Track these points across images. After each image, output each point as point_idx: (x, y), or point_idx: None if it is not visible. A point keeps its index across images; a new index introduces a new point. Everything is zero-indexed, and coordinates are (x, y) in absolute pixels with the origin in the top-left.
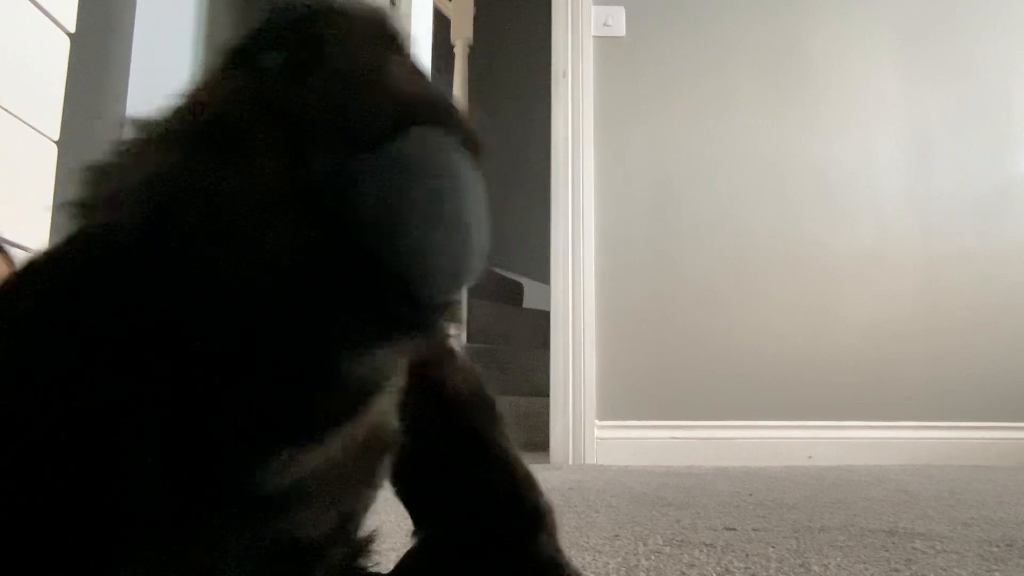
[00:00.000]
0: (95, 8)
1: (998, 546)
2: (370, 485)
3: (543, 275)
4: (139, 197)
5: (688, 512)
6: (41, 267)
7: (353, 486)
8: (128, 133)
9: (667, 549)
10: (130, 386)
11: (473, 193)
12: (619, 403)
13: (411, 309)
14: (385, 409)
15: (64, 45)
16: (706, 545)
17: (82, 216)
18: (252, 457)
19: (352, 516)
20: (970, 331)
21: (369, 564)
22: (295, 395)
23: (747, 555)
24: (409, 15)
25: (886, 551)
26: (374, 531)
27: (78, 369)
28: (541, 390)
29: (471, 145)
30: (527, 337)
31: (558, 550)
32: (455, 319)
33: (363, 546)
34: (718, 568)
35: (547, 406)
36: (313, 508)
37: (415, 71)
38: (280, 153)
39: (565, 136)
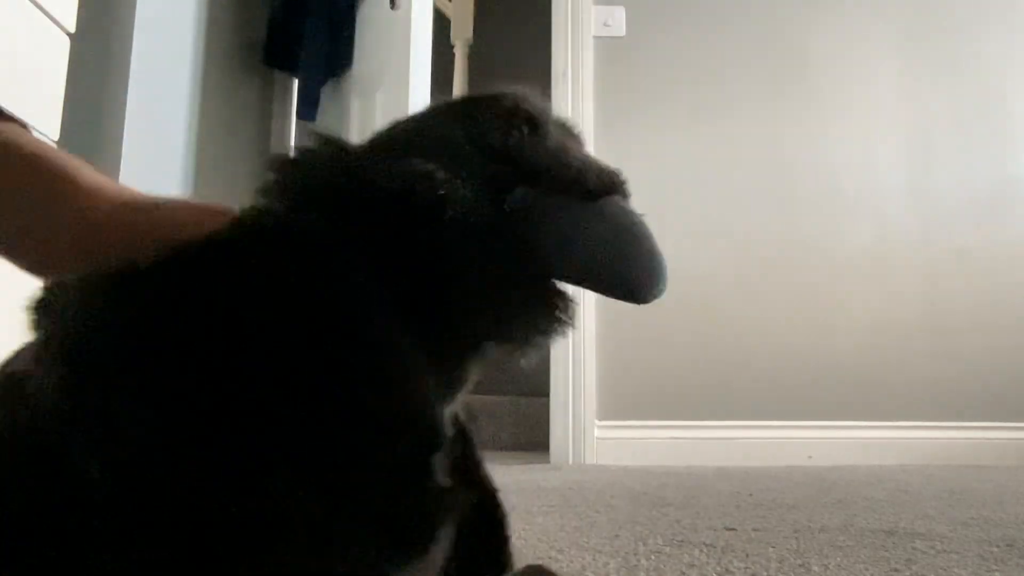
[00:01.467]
0: (95, 8)
1: (998, 546)
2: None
3: None
4: (359, 192)
5: (688, 512)
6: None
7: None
8: (318, 142)
9: (667, 549)
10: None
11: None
12: (619, 403)
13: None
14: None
15: (64, 45)
16: (706, 545)
17: (272, 200)
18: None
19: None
20: (970, 331)
21: None
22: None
23: (747, 555)
24: (409, 15)
25: (886, 551)
26: None
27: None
28: (541, 390)
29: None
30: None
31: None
32: None
33: None
34: (718, 568)
35: (547, 406)
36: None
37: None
38: (499, 186)
39: None
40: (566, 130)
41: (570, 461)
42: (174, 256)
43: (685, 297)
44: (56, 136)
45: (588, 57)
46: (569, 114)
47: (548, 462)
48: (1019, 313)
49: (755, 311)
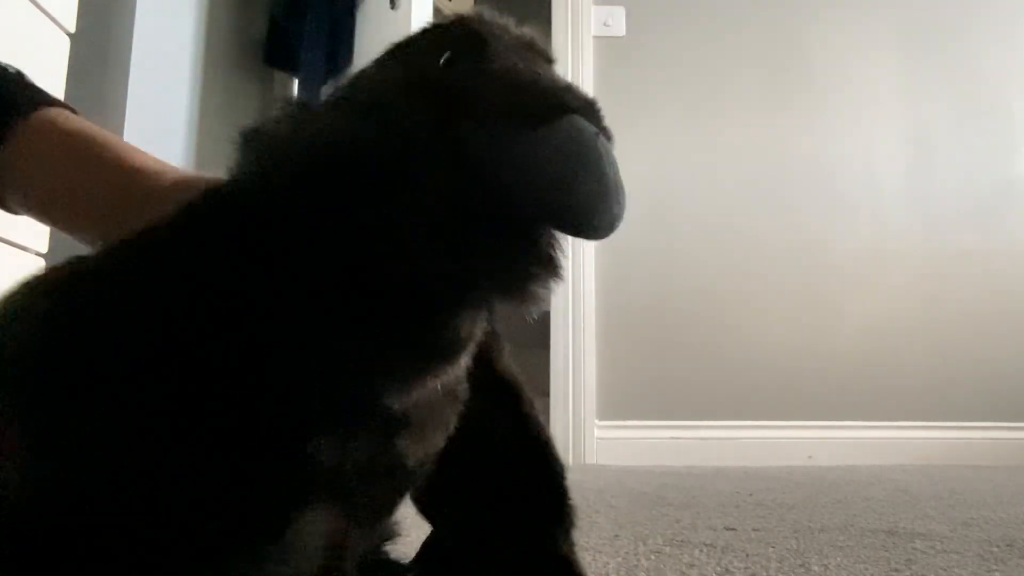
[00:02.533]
0: (95, 8)
1: (998, 546)
2: (447, 431)
3: None
4: (299, 153)
5: (688, 512)
6: (199, 211)
7: (439, 427)
8: (284, 109)
9: (667, 549)
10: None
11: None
12: (619, 403)
13: (552, 252)
14: (466, 364)
15: (64, 45)
16: (706, 545)
17: (236, 169)
18: (392, 374)
19: (429, 459)
20: (970, 331)
21: (393, 552)
22: (436, 325)
23: (747, 555)
24: (409, 15)
25: (886, 551)
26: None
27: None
28: (541, 390)
29: (607, 133)
30: (527, 337)
31: (574, 549)
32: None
33: (392, 531)
34: (718, 568)
35: (547, 406)
36: (413, 437)
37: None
38: (439, 125)
39: None
40: (528, 50)
41: (570, 461)
42: (121, 246)
43: (686, 297)
44: None
45: (588, 57)
46: None
47: None
48: (1019, 313)
49: (755, 311)
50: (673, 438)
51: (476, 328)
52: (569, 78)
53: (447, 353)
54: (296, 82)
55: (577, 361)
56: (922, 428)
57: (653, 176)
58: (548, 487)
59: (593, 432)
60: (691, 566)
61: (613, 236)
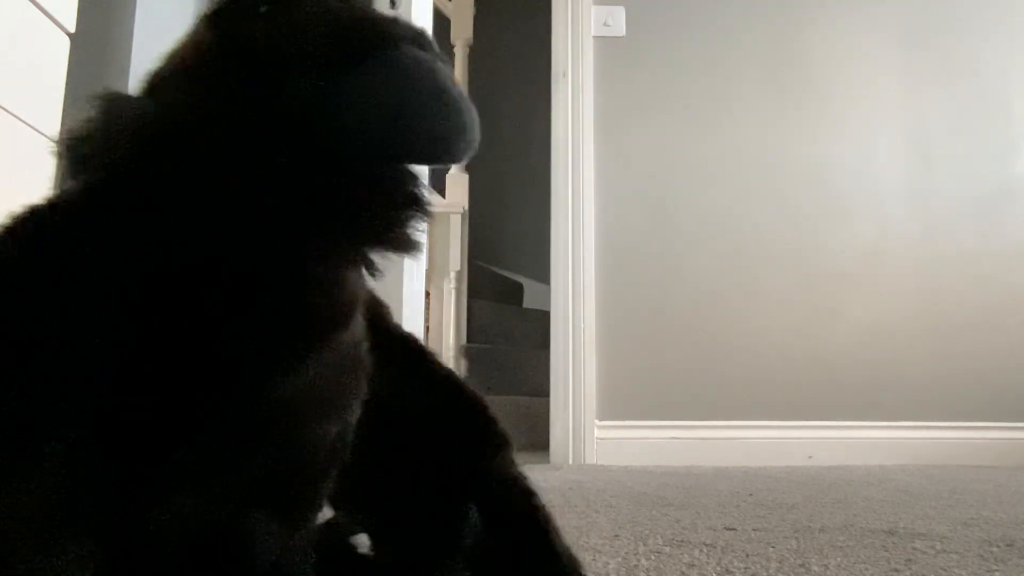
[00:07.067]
0: (95, 8)
1: (998, 546)
2: (359, 397)
3: (543, 275)
4: (127, 140)
5: (688, 512)
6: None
7: (350, 396)
8: (97, 104)
9: (667, 549)
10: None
11: (454, 81)
12: (619, 403)
13: (415, 188)
14: (361, 327)
15: (64, 45)
16: (706, 545)
17: (64, 162)
18: (266, 359)
19: (347, 431)
20: (970, 331)
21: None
22: (297, 302)
23: (747, 555)
24: (409, 15)
25: (886, 551)
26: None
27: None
28: (541, 390)
29: (443, 58)
30: (527, 337)
31: (512, 465)
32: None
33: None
34: (718, 568)
35: (547, 406)
36: (325, 412)
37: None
38: (258, 82)
39: (565, 136)
40: None
41: (570, 461)
42: None
43: (685, 297)
44: (56, 136)
45: (588, 57)
46: (569, 114)
47: (548, 462)
48: (1019, 313)
49: (755, 311)
50: (673, 438)
51: (358, 287)
52: (569, 78)
53: (336, 316)
54: None
55: (577, 361)
56: (922, 428)
57: (653, 176)
58: (471, 417)
59: (593, 432)
60: (691, 566)
61: (613, 236)
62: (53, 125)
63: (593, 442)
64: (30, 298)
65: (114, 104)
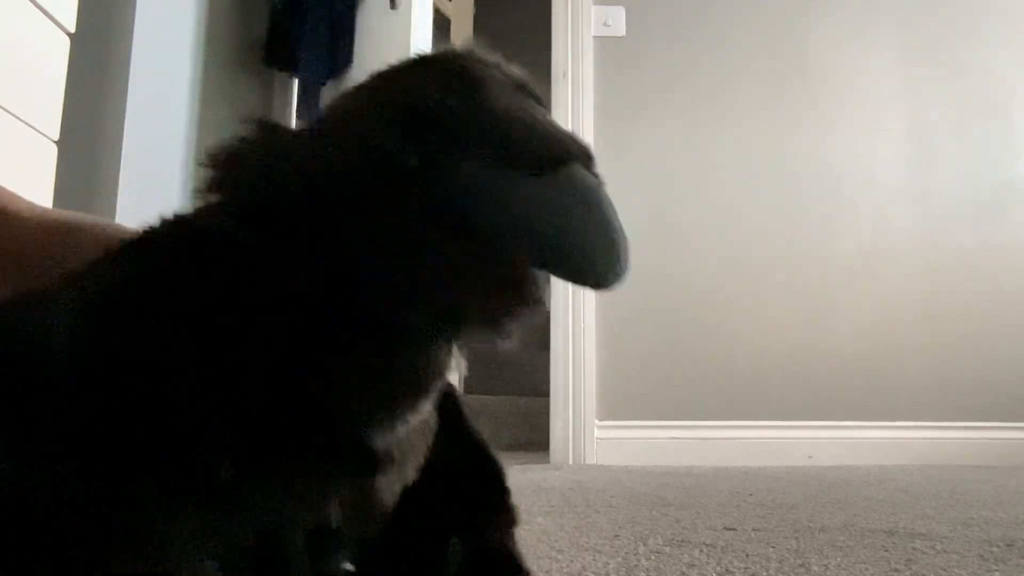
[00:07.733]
0: (95, 8)
1: (998, 546)
2: (418, 463)
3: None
4: (284, 184)
5: (688, 512)
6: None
7: (415, 460)
8: (255, 129)
9: (667, 549)
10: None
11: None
12: (619, 403)
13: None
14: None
15: (64, 45)
16: (706, 545)
17: (209, 193)
18: (373, 410)
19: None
20: (970, 331)
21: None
22: (411, 368)
23: (747, 555)
24: (409, 15)
25: (886, 551)
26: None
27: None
28: (541, 390)
29: (602, 180)
30: (527, 337)
31: (514, 541)
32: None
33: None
34: (718, 568)
35: (547, 406)
36: (393, 474)
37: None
38: (427, 159)
39: None
40: (521, 91)
41: (570, 461)
42: (74, 280)
43: (686, 297)
44: (56, 136)
45: (588, 57)
46: (569, 114)
47: (548, 462)
48: (1019, 313)
49: (755, 311)
50: (673, 438)
51: (450, 359)
52: (569, 78)
53: (425, 384)
54: (296, 83)
55: (577, 361)
56: (922, 428)
57: (653, 176)
58: (487, 485)
59: (593, 432)
60: (691, 566)
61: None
62: (53, 125)
63: (593, 442)
64: (178, 315)
65: (277, 135)
